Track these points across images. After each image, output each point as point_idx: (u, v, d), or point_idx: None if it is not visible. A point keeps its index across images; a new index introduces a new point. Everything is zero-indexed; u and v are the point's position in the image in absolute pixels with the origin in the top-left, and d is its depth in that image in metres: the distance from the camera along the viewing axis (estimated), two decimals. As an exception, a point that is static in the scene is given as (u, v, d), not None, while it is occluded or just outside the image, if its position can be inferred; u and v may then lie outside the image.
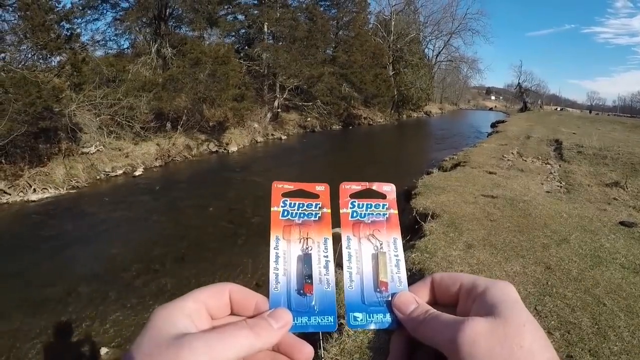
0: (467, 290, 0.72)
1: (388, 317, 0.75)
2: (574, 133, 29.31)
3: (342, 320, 3.44)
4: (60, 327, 7.65)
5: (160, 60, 26.48)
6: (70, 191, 16.18)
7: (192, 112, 25.38)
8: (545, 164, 18.02)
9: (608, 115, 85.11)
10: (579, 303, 5.93)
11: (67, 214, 13.79)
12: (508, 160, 18.13)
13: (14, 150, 15.40)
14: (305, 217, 0.82)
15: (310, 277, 0.76)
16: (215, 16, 29.46)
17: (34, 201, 14.63)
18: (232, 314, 0.71)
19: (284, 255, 0.78)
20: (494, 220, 9.52)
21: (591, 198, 12.24)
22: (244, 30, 37.37)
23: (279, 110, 35.82)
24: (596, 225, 9.48)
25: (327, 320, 0.74)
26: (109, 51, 27.56)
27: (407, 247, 8.31)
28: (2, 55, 16.58)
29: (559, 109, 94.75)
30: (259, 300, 0.71)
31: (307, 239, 0.80)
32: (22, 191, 14.87)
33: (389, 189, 0.87)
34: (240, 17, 35.57)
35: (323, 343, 5.80)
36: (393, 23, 61.16)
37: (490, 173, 14.73)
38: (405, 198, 13.40)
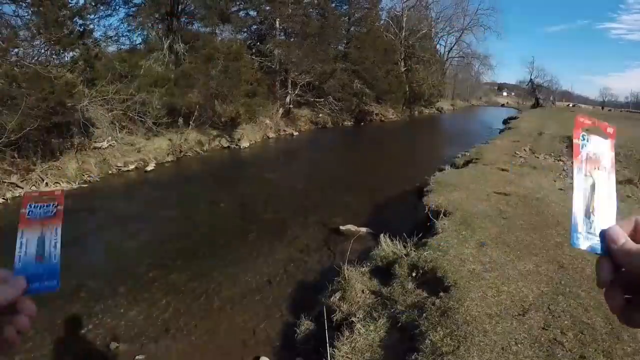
0: None
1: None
2: (587, 130, 29.08)
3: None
4: (70, 321, 7.68)
5: (173, 56, 26.50)
6: (82, 185, 16.25)
7: (204, 107, 25.39)
8: (558, 160, 17.92)
9: (621, 111, 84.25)
10: (592, 303, 5.89)
11: (79, 208, 13.81)
12: (520, 157, 18.04)
13: (27, 145, 15.47)
14: (45, 215, 1.10)
15: (42, 252, 1.06)
16: (227, 12, 29.45)
17: (45, 195, 14.67)
18: None
19: (26, 241, 1.05)
20: (506, 218, 9.48)
21: (605, 196, 12.15)
22: (255, 27, 37.29)
23: (291, 106, 35.80)
24: (610, 223, 9.40)
25: (51, 282, 1.05)
26: (122, 47, 27.60)
27: (420, 244, 8.30)
28: (16, 50, 16.64)
29: (571, 105, 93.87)
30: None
31: (46, 229, 1.09)
32: (34, 185, 14.93)
33: (611, 130, 0.95)
34: (252, 13, 35.49)
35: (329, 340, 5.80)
36: (405, 19, 60.96)
37: (503, 170, 14.65)
38: (417, 195, 13.38)
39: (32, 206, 1.08)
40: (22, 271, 1.00)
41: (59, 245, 1.08)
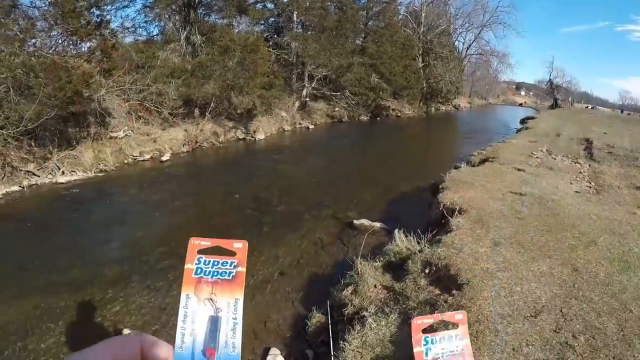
0: None
1: None
2: (604, 132, 28.86)
3: None
4: (83, 308, 7.77)
5: (190, 47, 26.57)
6: (98, 174, 16.37)
7: (220, 99, 25.46)
8: (575, 163, 17.81)
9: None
10: (605, 308, 5.88)
11: (94, 197, 13.94)
12: (537, 157, 17.93)
13: (44, 134, 15.61)
14: (219, 276, 0.81)
15: (215, 342, 0.76)
16: (244, 4, 29.44)
17: (62, 183, 14.82)
18: None
19: (192, 314, 0.77)
20: (521, 218, 9.45)
21: (621, 200, 12.09)
22: (273, 19, 37.29)
23: (307, 99, 35.81)
24: (625, 228, 9.36)
25: None
26: (139, 38, 27.81)
27: (434, 241, 8.29)
28: (33, 40, 16.77)
29: (589, 107, 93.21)
30: (170, 354, 0.72)
31: (215, 300, 0.79)
32: (50, 173, 15.07)
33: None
34: (270, 5, 35.38)
35: (333, 342, 5.82)
36: (423, 14, 60.56)
37: (519, 170, 14.58)
38: (432, 192, 13.36)
39: (202, 261, 0.82)
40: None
41: (239, 329, 0.78)
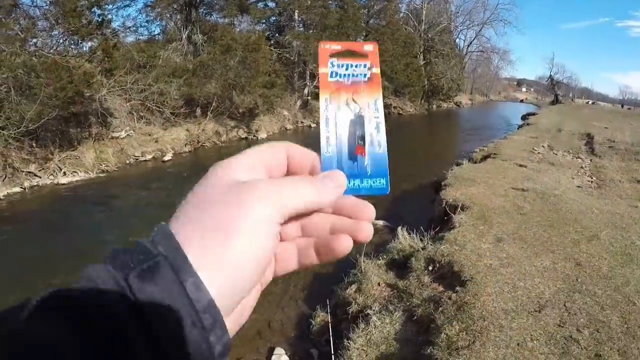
0: None
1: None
2: (605, 127, 28.77)
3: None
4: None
5: (191, 47, 26.62)
6: (100, 175, 16.39)
7: (222, 98, 25.48)
8: (577, 158, 17.78)
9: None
10: (608, 301, 5.88)
11: (96, 198, 13.94)
12: (538, 153, 17.91)
13: (45, 134, 15.65)
14: (355, 78, 0.78)
15: (363, 138, 0.75)
16: (246, 3, 29.54)
17: (63, 184, 14.85)
18: (288, 174, 0.71)
19: (334, 117, 0.76)
20: (524, 213, 9.44)
21: (622, 194, 12.07)
22: (274, 18, 37.37)
23: (309, 98, 35.73)
24: (627, 222, 9.35)
25: (380, 182, 0.74)
26: (140, 37, 27.83)
27: (437, 238, 8.30)
28: (34, 40, 16.79)
29: (590, 102, 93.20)
30: (315, 161, 0.71)
31: (356, 100, 0.77)
32: (52, 174, 15.11)
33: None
34: (271, 4, 35.49)
35: (333, 340, 5.83)
36: (424, 12, 60.62)
37: (521, 166, 14.56)
38: (434, 189, 13.36)
39: (336, 64, 0.79)
40: (335, 162, 0.74)
41: (382, 127, 0.76)
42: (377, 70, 0.79)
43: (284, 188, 0.63)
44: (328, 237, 0.69)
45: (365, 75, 0.78)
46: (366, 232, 0.69)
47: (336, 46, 0.79)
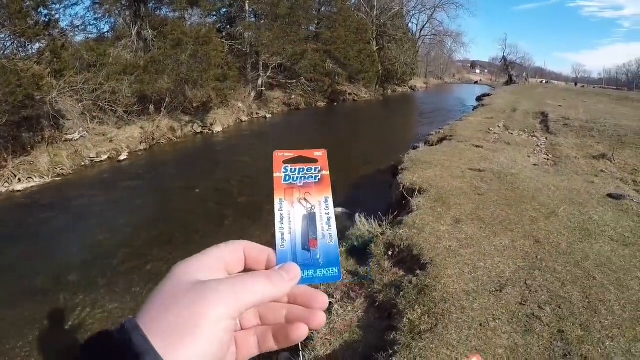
0: None
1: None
2: (560, 106, 29.22)
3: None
4: (50, 316, 7.63)
5: (141, 43, 26.14)
6: (56, 179, 16.04)
7: (175, 93, 25.16)
8: (532, 136, 17.97)
9: (594, 87, 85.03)
10: (569, 277, 5.89)
11: (53, 202, 13.65)
12: (494, 133, 18.05)
13: (-4, 141, 15.24)
14: (306, 180, 0.87)
15: (315, 232, 0.82)
16: (195, -5, 29.15)
17: (19, 191, 14.51)
18: (246, 269, 0.77)
19: (288, 215, 0.83)
20: (481, 194, 9.45)
21: (578, 170, 12.20)
22: (225, 10, 36.94)
23: (263, 88, 35.52)
24: (584, 197, 9.44)
25: (332, 271, 0.80)
26: (89, 36, 27.04)
27: (396, 223, 8.26)
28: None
29: (544, 81, 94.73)
30: (270, 255, 0.78)
31: (307, 200, 0.85)
32: (7, 182, 14.72)
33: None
34: (222, -5, 35.13)
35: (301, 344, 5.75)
36: (376, -2, 60.89)
37: (477, 147, 14.64)
38: (392, 174, 13.36)
39: (289, 169, 0.88)
40: (290, 255, 0.80)
41: (333, 222, 0.84)
42: (326, 172, 0.90)
43: (240, 286, 0.67)
44: (285, 325, 0.75)
45: (316, 177, 0.88)
46: (319, 320, 0.75)
47: (289, 154, 0.90)
